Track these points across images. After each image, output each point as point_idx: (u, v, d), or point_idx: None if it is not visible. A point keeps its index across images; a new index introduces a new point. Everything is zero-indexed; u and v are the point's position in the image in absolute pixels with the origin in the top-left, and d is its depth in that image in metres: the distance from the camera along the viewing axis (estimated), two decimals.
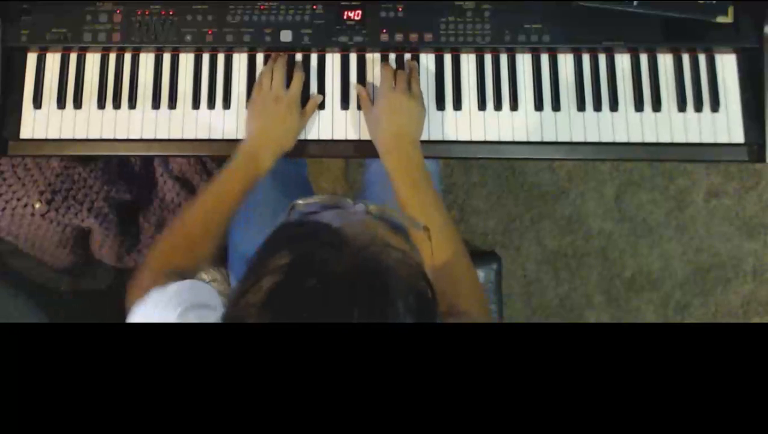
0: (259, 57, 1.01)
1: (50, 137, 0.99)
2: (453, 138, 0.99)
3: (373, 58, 1.01)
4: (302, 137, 0.99)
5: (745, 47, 0.98)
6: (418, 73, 0.99)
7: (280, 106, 0.94)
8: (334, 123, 0.99)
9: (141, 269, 0.85)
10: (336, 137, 0.99)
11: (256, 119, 0.95)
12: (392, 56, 1.01)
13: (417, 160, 0.91)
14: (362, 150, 0.99)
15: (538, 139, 0.98)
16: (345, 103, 1.00)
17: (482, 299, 0.90)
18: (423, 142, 0.97)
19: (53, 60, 1.01)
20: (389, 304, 0.51)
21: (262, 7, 0.99)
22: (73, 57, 1.01)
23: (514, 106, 0.99)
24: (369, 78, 1.00)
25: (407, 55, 1.01)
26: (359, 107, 0.99)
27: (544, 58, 1.00)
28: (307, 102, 0.98)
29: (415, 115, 0.94)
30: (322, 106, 1.00)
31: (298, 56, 1.01)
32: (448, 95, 1.00)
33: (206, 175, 1.28)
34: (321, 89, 1.00)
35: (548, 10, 0.98)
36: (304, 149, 0.99)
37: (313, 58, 1.01)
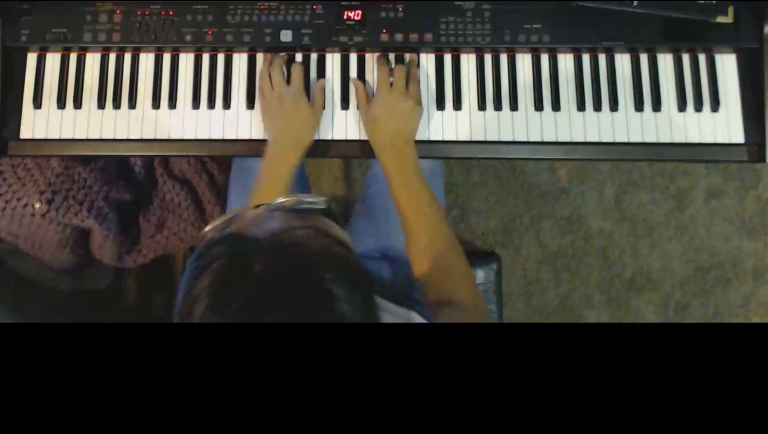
0: (259, 57, 1.01)
1: (50, 137, 0.99)
2: (453, 138, 0.99)
3: (373, 59, 1.01)
4: None
5: (745, 47, 0.98)
6: (418, 66, 0.99)
7: (286, 103, 0.95)
8: (334, 123, 1.00)
9: None
10: (336, 137, 0.99)
11: (270, 123, 0.96)
12: (392, 56, 1.01)
13: (411, 158, 0.93)
14: (362, 150, 0.99)
15: (538, 139, 0.99)
16: (345, 103, 1.00)
17: (476, 290, 0.92)
18: (423, 142, 0.98)
19: (53, 60, 1.01)
20: (315, 276, 0.51)
21: (262, 7, 0.99)
22: (73, 57, 1.01)
23: (514, 106, 0.99)
24: (369, 78, 1.00)
25: (407, 56, 1.01)
26: (359, 107, 0.99)
27: (544, 58, 1.00)
28: (314, 96, 0.98)
29: (411, 114, 0.95)
30: (322, 106, 1.00)
31: (298, 56, 1.01)
32: (448, 95, 1.00)
33: (206, 175, 1.29)
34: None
35: (548, 10, 0.98)
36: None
37: (313, 58, 1.01)
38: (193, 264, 0.56)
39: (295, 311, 0.50)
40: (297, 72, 0.97)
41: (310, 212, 0.61)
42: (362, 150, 0.99)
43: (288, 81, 0.97)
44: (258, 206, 0.62)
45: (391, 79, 0.97)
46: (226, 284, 0.52)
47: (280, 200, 0.62)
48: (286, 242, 0.54)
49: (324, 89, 0.99)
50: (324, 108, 0.99)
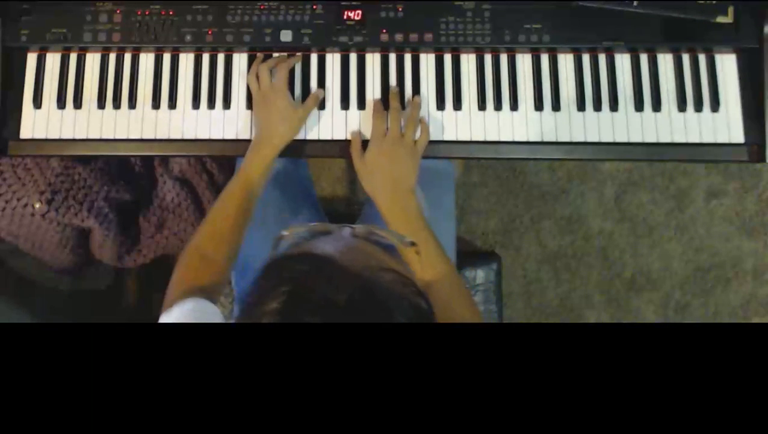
0: (259, 57, 1.01)
1: (50, 137, 0.99)
2: (453, 138, 0.99)
3: (373, 58, 1.01)
4: (302, 137, 0.99)
5: (745, 47, 0.98)
6: (419, 108, 0.97)
7: (269, 98, 0.95)
8: (334, 123, 0.99)
9: (168, 290, 0.87)
10: (336, 137, 0.99)
11: (257, 118, 0.97)
12: (392, 56, 1.01)
13: (414, 208, 0.91)
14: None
15: (538, 139, 0.98)
16: (345, 104, 1.00)
17: (477, 314, 0.91)
18: None
19: (53, 60, 1.01)
20: (389, 319, 0.51)
21: (262, 7, 0.99)
22: (73, 57, 1.01)
23: (514, 106, 0.99)
24: (369, 79, 1.00)
25: (407, 55, 1.01)
26: (359, 107, 0.99)
27: (544, 58, 1.00)
28: (307, 99, 0.98)
29: (409, 162, 0.93)
30: (322, 106, 1.00)
31: (298, 56, 1.01)
32: (448, 95, 1.00)
33: (206, 175, 1.29)
34: (321, 89, 1.00)
35: (548, 10, 0.98)
36: (304, 149, 0.99)
37: (313, 58, 1.01)
38: (268, 273, 0.55)
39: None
40: (280, 69, 0.96)
41: (382, 245, 0.61)
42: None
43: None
44: (342, 226, 0.62)
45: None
46: (304, 311, 0.51)
47: (355, 227, 0.62)
48: (374, 283, 0.53)
49: (318, 98, 0.98)
50: (309, 113, 0.98)
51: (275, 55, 1.00)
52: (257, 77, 0.97)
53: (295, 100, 0.99)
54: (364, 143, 0.96)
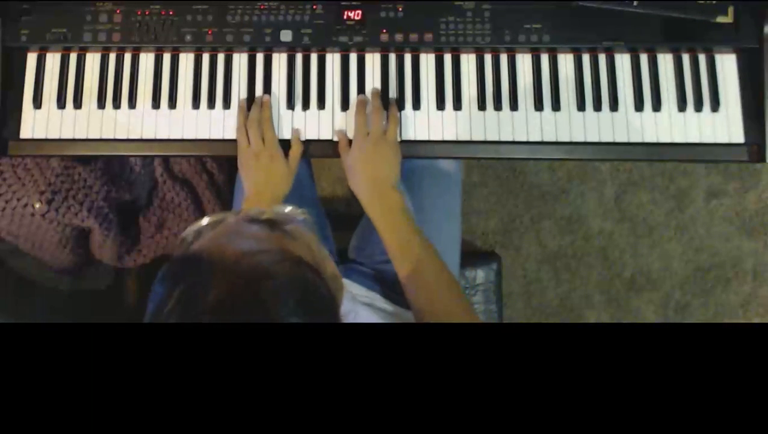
0: (259, 57, 1.01)
1: (50, 137, 0.99)
2: (453, 138, 0.99)
3: (373, 58, 1.01)
4: (302, 137, 0.99)
5: (745, 47, 0.98)
6: (399, 121, 0.98)
7: (262, 160, 0.96)
8: (334, 123, 1.00)
9: None
10: (336, 137, 0.99)
11: (247, 178, 0.97)
12: (392, 56, 1.01)
13: (396, 202, 0.92)
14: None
15: (538, 139, 0.98)
16: (345, 104, 1.00)
17: (467, 307, 0.91)
18: (423, 142, 0.98)
19: (53, 60, 1.01)
20: (272, 313, 0.50)
21: (262, 7, 0.99)
22: (73, 57, 1.01)
23: (514, 106, 0.99)
24: (369, 79, 1.00)
25: (407, 55, 1.01)
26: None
27: (544, 58, 1.00)
28: (290, 151, 0.98)
29: (391, 159, 0.94)
30: (322, 106, 1.00)
31: (298, 56, 1.01)
32: (448, 95, 1.00)
33: (206, 175, 1.28)
34: (321, 89, 1.00)
35: (548, 10, 0.98)
36: (304, 149, 0.99)
37: (313, 58, 1.01)
38: (160, 282, 0.55)
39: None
40: (268, 130, 0.97)
41: (266, 223, 0.59)
42: None
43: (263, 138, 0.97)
44: (239, 212, 0.61)
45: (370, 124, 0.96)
46: (186, 310, 0.51)
47: (258, 211, 0.60)
48: (245, 269, 0.52)
49: (301, 149, 0.98)
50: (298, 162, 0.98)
51: (259, 100, 0.99)
52: (245, 133, 0.97)
53: (293, 98, 0.99)
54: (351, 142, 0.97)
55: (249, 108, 0.99)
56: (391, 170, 0.94)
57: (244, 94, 1.00)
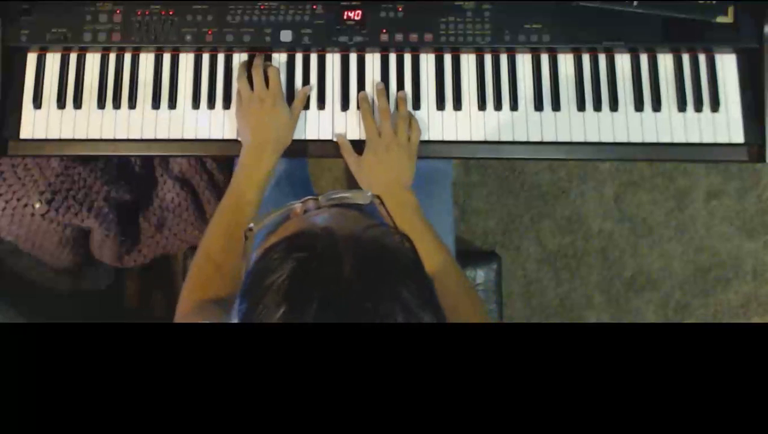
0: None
1: (50, 137, 0.99)
2: (453, 138, 0.99)
3: (373, 59, 1.01)
4: (302, 137, 0.99)
5: (745, 47, 0.98)
6: (406, 103, 0.97)
7: (266, 105, 0.94)
8: (334, 123, 0.99)
9: (181, 301, 0.85)
10: (336, 138, 0.99)
11: (247, 125, 0.95)
12: (392, 56, 1.01)
13: (412, 204, 0.91)
14: (362, 150, 0.98)
15: (538, 139, 0.98)
16: (345, 104, 1.00)
17: (480, 304, 0.90)
18: (423, 142, 0.97)
19: (53, 60, 1.01)
20: (397, 289, 0.49)
21: (262, 7, 0.99)
22: (73, 57, 1.01)
23: (514, 106, 0.99)
24: (369, 79, 1.00)
25: (407, 55, 1.01)
26: (359, 107, 0.99)
27: (544, 58, 1.00)
28: (295, 98, 0.97)
29: (404, 160, 0.93)
30: (322, 106, 1.00)
31: (298, 56, 1.01)
32: (448, 95, 1.00)
33: (206, 175, 1.29)
34: (321, 89, 1.00)
35: (548, 10, 0.98)
36: (304, 149, 0.99)
37: (313, 58, 1.01)
38: (264, 257, 0.52)
39: (365, 313, 0.47)
40: (274, 75, 0.96)
41: (355, 207, 0.59)
42: (362, 150, 0.98)
43: (267, 84, 0.96)
44: (306, 200, 0.60)
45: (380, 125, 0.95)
46: (307, 282, 0.48)
47: (318, 198, 0.59)
48: (367, 240, 0.51)
49: (306, 96, 0.98)
50: (299, 113, 0.97)
51: (260, 55, 0.99)
52: (247, 79, 0.96)
53: (294, 98, 0.99)
54: (352, 143, 0.96)
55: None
56: (407, 170, 0.93)
57: None
